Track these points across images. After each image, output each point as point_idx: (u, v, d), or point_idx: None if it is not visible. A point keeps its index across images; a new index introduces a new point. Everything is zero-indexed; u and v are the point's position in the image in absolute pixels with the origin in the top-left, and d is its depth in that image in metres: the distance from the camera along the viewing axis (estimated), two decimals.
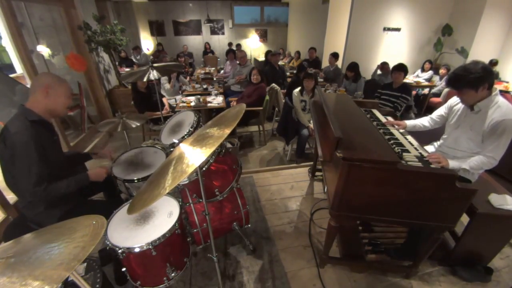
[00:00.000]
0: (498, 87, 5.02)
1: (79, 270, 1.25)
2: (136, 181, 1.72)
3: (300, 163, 3.15)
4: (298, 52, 7.24)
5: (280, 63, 5.26)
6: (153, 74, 2.51)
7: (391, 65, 4.22)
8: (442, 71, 5.00)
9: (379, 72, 4.89)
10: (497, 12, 4.73)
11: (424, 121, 1.94)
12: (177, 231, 1.36)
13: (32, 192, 1.32)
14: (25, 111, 1.36)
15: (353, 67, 4.13)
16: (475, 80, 1.40)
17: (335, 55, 5.00)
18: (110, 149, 1.95)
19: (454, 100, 1.76)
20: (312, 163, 2.88)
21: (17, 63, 2.81)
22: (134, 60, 6.91)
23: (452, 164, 1.48)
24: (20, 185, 1.36)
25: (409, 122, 1.95)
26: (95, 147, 3.82)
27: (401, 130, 1.91)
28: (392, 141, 1.65)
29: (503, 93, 4.32)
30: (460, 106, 1.70)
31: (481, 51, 4.89)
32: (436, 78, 5.14)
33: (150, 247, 1.23)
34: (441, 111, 1.87)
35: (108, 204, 1.87)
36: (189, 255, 1.55)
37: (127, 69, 5.86)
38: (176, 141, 1.23)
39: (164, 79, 4.01)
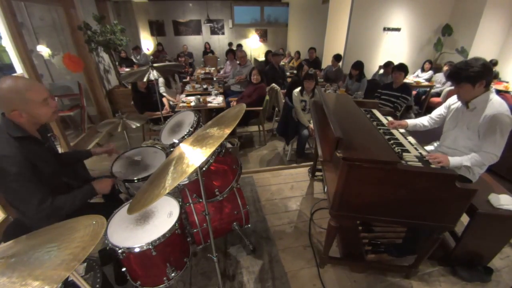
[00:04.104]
0: (498, 87, 4.97)
1: (79, 270, 1.25)
2: (136, 181, 1.71)
3: (300, 163, 3.15)
4: (298, 52, 7.23)
5: (280, 63, 5.26)
6: (153, 74, 2.52)
7: None
8: (446, 68, 4.87)
9: (381, 72, 4.88)
10: (497, 12, 4.74)
11: (423, 121, 1.95)
12: (177, 231, 1.36)
13: (38, 211, 1.24)
14: (8, 125, 1.22)
15: (358, 66, 4.14)
16: (473, 75, 1.42)
17: (337, 58, 4.99)
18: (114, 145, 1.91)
19: (453, 99, 1.77)
20: (312, 163, 2.88)
21: (17, 63, 2.81)
22: (134, 60, 6.91)
23: (453, 161, 1.48)
24: (23, 207, 1.28)
25: (410, 122, 1.96)
26: (97, 145, 3.82)
27: (402, 130, 1.91)
28: (392, 141, 1.65)
29: (503, 93, 4.31)
30: (457, 105, 1.71)
31: (481, 51, 4.89)
32: (439, 76, 5.05)
33: (150, 247, 1.23)
34: (440, 110, 1.88)
35: (108, 204, 1.87)
36: (189, 255, 1.55)
37: (127, 69, 5.86)
38: (176, 141, 1.23)
39: (161, 82, 4.00)
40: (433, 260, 1.83)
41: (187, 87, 4.63)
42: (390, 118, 2.08)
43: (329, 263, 1.81)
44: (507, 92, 4.41)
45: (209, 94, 4.16)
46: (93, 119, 4.59)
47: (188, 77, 5.66)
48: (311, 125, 2.96)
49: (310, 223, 2.18)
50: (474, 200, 1.50)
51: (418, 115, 4.74)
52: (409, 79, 5.21)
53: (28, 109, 1.21)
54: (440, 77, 5.05)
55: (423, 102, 5.09)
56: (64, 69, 4.34)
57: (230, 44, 8.97)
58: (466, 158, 1.51)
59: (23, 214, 1.34)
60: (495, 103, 1.47)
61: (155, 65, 2.58)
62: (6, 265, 0.70)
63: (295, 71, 4.94)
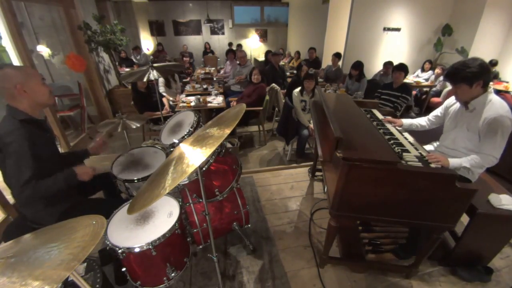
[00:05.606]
0: (498, 87, 4.97)
1: (79, 270, 1.25)
2: (136, 181, 1.72)
3: (300, 163, 3.15)
4: (298, 52, 7.24)
5: (280, 63, 5.25)
6: (153, 74, 2.52)
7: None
8: (437, 71, 4.97)
9: (382, 72, 4.88)
10: (497, 12, 4.74)
11: (421, 121, 1.96)
12: (177, 231, 1.37)
13: (21, 189, 1.28)
14: (12, 111, 1.32)
15: (358, 66, 4.14)
16: (470, 75, 1.42)
17: (338, 55, 4.99)
18: (103, 138, 1.87)
19: (450, 101, 1.78)
20: (312, 163, 2.88)
21: (17, 63, 2.81)
22: (134, 60, 6.91)
23: (453, 162, 1.48)
24: (11, 183, 1.33)
25: (406, 121, 1.97)
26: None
27: (399, 128, 1.92)
28: (392, 141, 1.65)
29: (503, 93, 4.31)
30: (456, 106, 1.70)
31: (481, 51, 4.89)
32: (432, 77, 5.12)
33: (150, 247, 1.23)
34: (437, 111, 1.88)
35: (108, 204, 1.87)
36: (189, 255, 1.55)
37: (127, 69, 5.86)
38: (176, 141, 1.24)
39: (161, 82, 4.01)
40: (433, 260, 1.83)
41: (187, 87, 4.63)
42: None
43: (329, 263, 1.80)
44: (507, 92, 4.41)
45: (209, 94, 4.16)
46: (93, 119, 4.59)
47: (188, 77, 5.66)
48: (311, 125, 2.96)
49: (310, 223, 2.18)
50: (474, 200, 1.50)
51: (418, 115, 4.74)
52: (409, 79, 5.21)
53: (30, 84, 1.32)
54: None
55: (423, 102, 5.10)
56: (64, 69, 4.35)
57: (230, 44, 8.97)
58: (465, 159, 1.50)
59: (11, 191, 1.38)
60: (496, 104, 1.46)
61: (155, 65, 2.58)
62: (6, 265, 0.70)
63: (295, 71, 4.94)
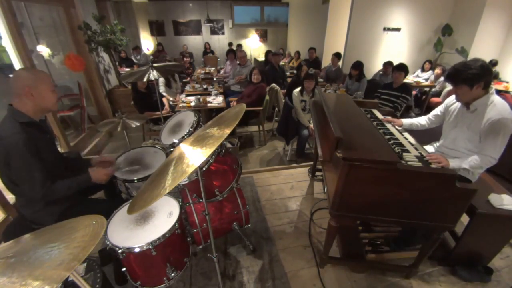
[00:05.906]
0: (498, 87, 4.99)
1: (79, 270, 1.25)
2: (136, 181, 1.71)
3: (300, 163, 3.15)
4: (298, 52, 7.23)
5: (280, 63, 5.25)
6: (153, 74, 2.52)
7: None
8: (437, 71, 4.99)
9: (381, 72, 4.89)
10: (497, 12, 4.74)
11: (421, 120, 1.96)
12: (177, 231, 1.37)
13: (38, 190, 1.32)
14: (14, 112, 1.32)
15: (358, 66, 4.14)
16: (471, 77, 1.41)
17: (338, 55, 5.00)
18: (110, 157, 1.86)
19: (451, 100, 1.77)
20: (312, 163, 2.88)
21: (17, 63, 2.81)
22: (134, 60, 6.91)
23: (453, 163, 1.48)
24: (24, 189, 1.35)
25: (406, 121, 1.97)
26: (95, 147, 3.82)
27: (399, 128, 1.92)
28: (392, 141, 1.65)
29: (503, 93, 4.32)
30: (457, 106, 1.70)
31: (481, 51, 4.90)
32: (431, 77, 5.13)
33: (150, 247, 1.23)
34: (437, 110, 1.89)
35: (108, 203, 1.87)
36: (189, 255, 1.55)
37: (127, 69, 5.86)
38: (176, 141, 1.24)
39: (161, 82, 4.01)
40: (433, 260, 1.83)
41: (187, 87, 4.63)
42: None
43: (329, 263, 1.81)
44: (507, 92, 4.42)
45: (209, 94, 4.16)
46: (93, 119, 4.59)
47: (188, 77, 5.65)
48: (311, 125, 2.97)
49: (310, 223, 2.18)
50: (474, 200, 1.50)
51: (418, 116, 4.74)
52: (409, 79, 5.22)
53: (39, 88, 1.34)
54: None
55: (423, 102, 5.10)
56: (64, 69, 4.34)
57: (230, 44, 8.97)
58: (465, 161, 1.51)
59: (23, 194, 1.41)
60: (498, 106, 1.45)
61: (155, 65, 2.58)
62: (6, 265, 0.70)
63: (295, 71, 4.94)
